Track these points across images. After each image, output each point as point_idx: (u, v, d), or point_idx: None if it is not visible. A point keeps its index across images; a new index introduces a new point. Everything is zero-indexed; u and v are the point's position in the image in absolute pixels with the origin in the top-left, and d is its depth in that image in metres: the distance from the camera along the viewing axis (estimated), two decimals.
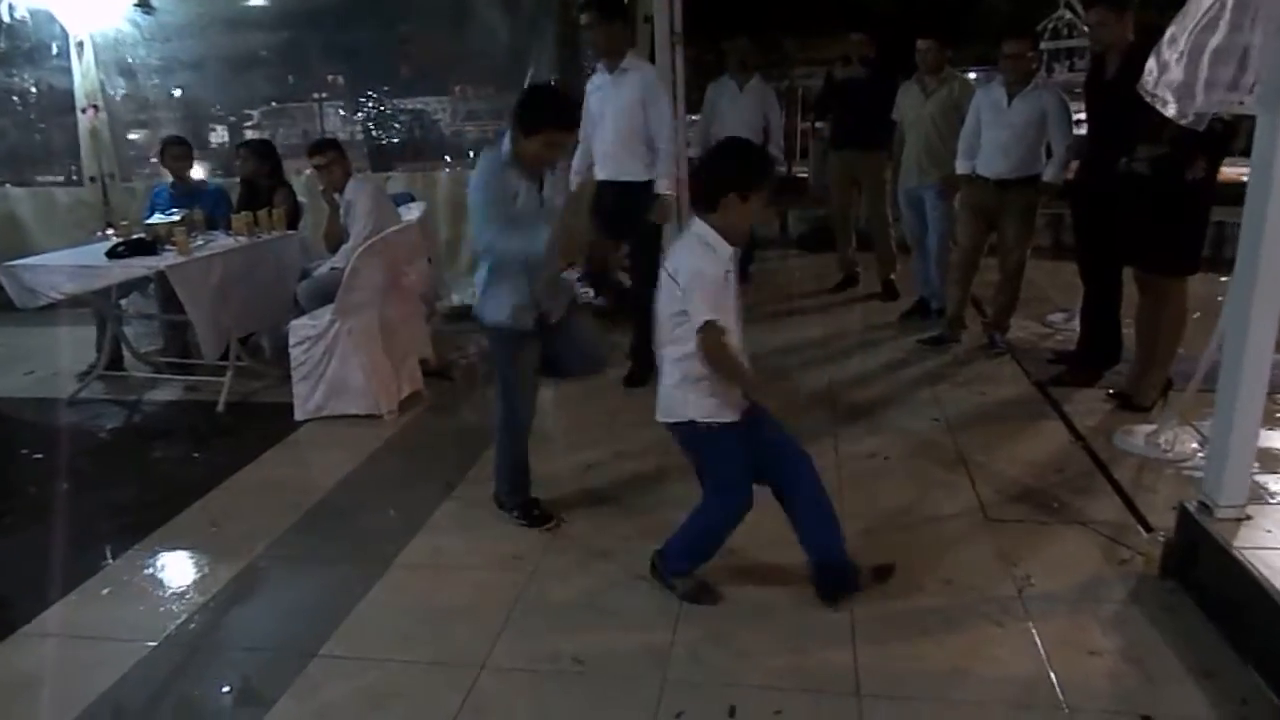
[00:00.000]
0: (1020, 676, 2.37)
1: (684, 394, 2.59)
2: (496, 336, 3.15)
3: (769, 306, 6.28)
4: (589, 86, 4.57)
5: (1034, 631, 2.54)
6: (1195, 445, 3.57)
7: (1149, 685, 2.32)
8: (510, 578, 2.93)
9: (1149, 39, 3.80)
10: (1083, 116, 4.65)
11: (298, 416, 4.35)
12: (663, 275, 2.59)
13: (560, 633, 2.63)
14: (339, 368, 4.31)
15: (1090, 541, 3.03)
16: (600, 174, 4.58)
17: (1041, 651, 2.45)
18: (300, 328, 4.35)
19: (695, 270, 2.48)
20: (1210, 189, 3.81)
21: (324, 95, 6.96)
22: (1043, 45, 6.21)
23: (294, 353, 4.34)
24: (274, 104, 7.12)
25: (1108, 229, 4.13)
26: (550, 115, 2.93)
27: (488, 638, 2.61)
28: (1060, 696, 2.28)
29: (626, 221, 4.23)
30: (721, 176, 2.50)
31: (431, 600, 2.85)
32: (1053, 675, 2.36)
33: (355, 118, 6.78)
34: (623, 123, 4.37)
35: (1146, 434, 3.68)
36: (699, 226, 2.54)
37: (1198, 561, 2.65)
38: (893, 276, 6.36)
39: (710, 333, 2.47)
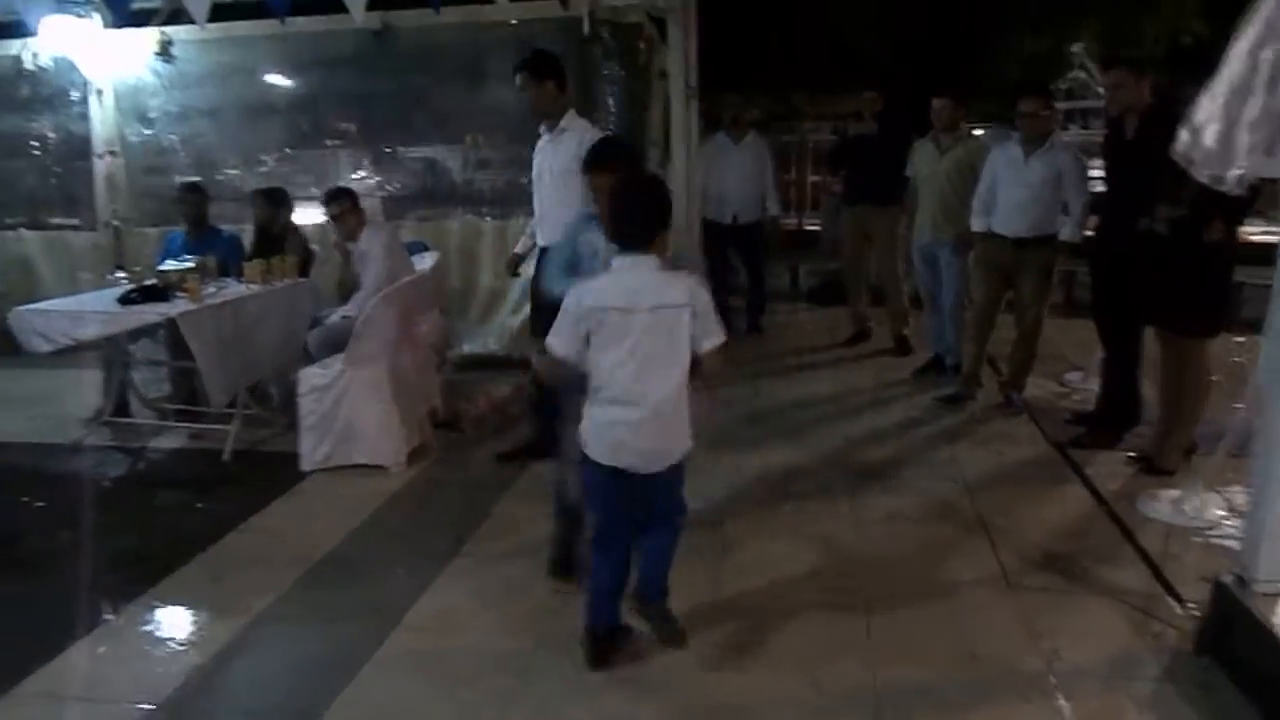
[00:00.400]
0: None
1: (687, 422, 2.59)
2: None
3: (781, 360, 6.23)
4: (536, 148, 4.31)
5: (1065, 709, 2.44)
6: (1222, 513, 3.48)
7: None
8: (521, 642, 2.83)
9: (1165, 101, 3.84)
10: (1099, 174, 4.65)
11: (305, 467, 4.28)
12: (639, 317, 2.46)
13: (572, 701, 2.53)
14: (348, 418, 4.25)
15: (1118, 612, 2.93)
16: (540, 239, 4.22)
17: None
18: (310, 376, 4.30)
19: (704, 293, 2.51)
20: (1231, 250, 3.78)
21: (338, 143, 7.00)
22: (1056, 105, 6.24)
23: (303, 402, 4.28)
24: (288, 150, 7.14)
25: (1127, 289, 4.09)
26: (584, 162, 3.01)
27: (497, 706, 2.51)
28: None
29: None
30: (660, 214, 2.57)
31: (439, 664, 2.74)
32: None
33: (367, 165, 6.81)
34: (560, 185, 4.06)
35: (1172, 500, 3.60)
36: (648, 259, 2.51)
37: (1234, 637, 2.55)
38: (906, 332, 6.32)
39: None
